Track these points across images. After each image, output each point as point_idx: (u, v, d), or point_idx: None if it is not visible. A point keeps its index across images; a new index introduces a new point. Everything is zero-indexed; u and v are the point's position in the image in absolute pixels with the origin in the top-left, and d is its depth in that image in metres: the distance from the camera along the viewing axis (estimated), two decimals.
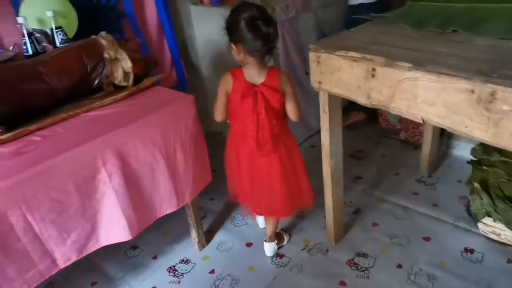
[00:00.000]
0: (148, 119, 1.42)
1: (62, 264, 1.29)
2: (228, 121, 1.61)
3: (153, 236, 1.95)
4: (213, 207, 2.14)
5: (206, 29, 2.54)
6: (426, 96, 1.13)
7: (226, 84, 1.48)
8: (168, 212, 1.53)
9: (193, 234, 1.81)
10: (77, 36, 1.81)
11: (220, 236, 1.93)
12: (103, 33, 1.64)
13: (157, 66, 1.76)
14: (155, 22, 2.34)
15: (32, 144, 1.28)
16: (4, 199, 1.12)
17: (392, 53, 1.24)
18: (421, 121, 1.18)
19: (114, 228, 1.38)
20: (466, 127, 1.07)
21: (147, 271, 1.78)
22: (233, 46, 1.43)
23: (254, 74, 1.46)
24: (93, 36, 1.61)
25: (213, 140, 2.80)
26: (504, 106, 0.97)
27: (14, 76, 1.37)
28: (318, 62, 1.41)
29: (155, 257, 1.85)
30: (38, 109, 1.43)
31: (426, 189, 2.10)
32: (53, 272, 1.28)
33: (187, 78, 2.59)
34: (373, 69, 1.24)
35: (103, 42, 1.57)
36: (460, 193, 2.01)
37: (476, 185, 1.74)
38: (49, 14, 1.67)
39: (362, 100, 1.32)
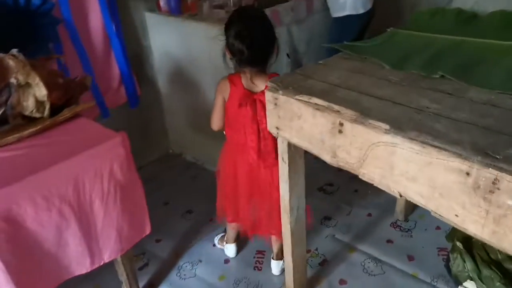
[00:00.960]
0: (56, 168, 1.11)
1: None
2: (224, 132, 1.52)
3: None
4: (158, 251, 1.83)
5: (164, 39, 2.24)
6: (405, 169, 0.86)
7: (223, 90, 1.42)
8: (77, 274, 1.23)
9: None
10: None
11: None
12: (14, 50, 1.31)
13: (85, 91, 1.44)
14: (101, 30, 2.01)
15: None
16: None
17: (364, 105, 0.97)
18: (398, 196, 0.92)
19: None
20: (456, 216, 0.81)
21: None
22: (227, 52, 1.37)
23: (251, 82, 1.38)
24: (1, 55, 1.29)
25: (171, 163, 2.50)
26: (509, 201, 0.71)
27: None
28: (276, 104, 1.13)
29: None
30: None
31: (402, 237, 1.85)
32: None
33: (140, 95, 2.28)
34: (341, 124, 0.96)
35: (11, 63, 1.25)
36: (438, 244, 1.77)
37: (459, 244, 1.50)
38: None
39: (326, 157, 1.05)
